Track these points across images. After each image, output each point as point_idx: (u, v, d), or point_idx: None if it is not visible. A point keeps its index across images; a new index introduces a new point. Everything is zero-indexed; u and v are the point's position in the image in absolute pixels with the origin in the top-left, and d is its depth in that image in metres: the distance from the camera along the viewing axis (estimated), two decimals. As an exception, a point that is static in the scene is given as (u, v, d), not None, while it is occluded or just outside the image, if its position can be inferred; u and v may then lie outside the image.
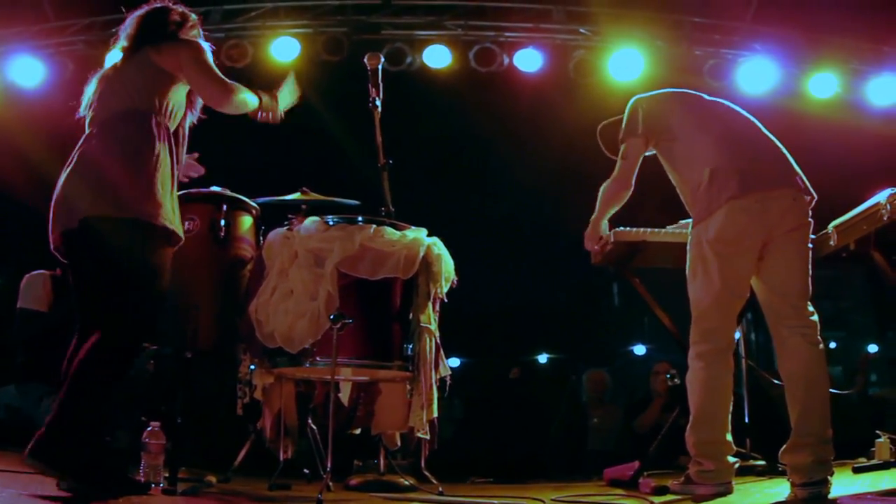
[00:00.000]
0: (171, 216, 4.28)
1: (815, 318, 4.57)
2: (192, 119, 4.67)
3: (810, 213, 4.70)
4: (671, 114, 4.98)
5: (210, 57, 4.54)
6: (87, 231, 4.15)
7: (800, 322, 4.55)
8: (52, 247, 4.35)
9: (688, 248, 4.75)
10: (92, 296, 4.27)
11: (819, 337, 4.55)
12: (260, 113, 4.74)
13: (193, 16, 4.78)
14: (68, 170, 4.29)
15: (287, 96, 4.93)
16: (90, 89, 4.56)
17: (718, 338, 4.64)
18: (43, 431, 3.97)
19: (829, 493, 4.30)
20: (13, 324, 7.12)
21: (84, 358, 4.04)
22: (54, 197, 4.29)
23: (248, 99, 4.64)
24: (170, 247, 4.35)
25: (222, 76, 4.53)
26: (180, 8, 4.71)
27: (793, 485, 4.38)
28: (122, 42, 4.59)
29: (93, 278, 4.27)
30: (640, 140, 4.94)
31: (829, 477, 4.34)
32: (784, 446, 4.45)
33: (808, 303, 4.60)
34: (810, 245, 4.69)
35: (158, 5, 4.66)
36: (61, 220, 4.23)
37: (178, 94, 4.50)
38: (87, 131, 4.41)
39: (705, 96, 5.08)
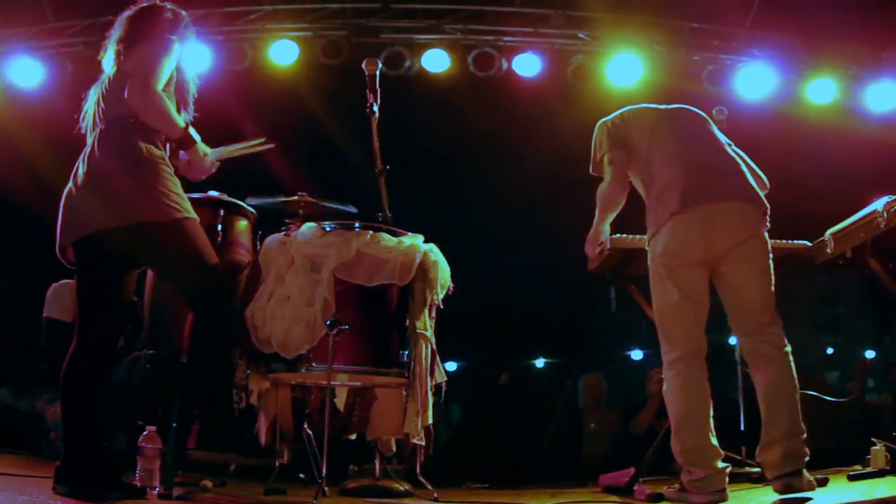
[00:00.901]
0: (180, 205, 4.27)
1: (780, 324, 4.69)
2: (187, 118, 4.58)
3: (766, 224, 4.79)
4: (632, 131, 5.07)
5: (164, 54, 4.35)
6: (106, 241, 4.17)
7: (764, 329, 4.66)
8: (59, 254, 4.34)
9: (648, 264, 4.89)
10: (100, 302, 4.31)
11: (784, 341, 4.65)
12: (181, 146, 4.56)
13: (183, 13, 4.66)
14: (75, 183, 4.27)
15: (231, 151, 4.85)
16: (90, 101, 4.50)
17: (686, 344, 4.70)
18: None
19: (803, 485, 4.36)
20: (9, 324, 7.16)
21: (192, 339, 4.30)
22: (63, 208, 4.28)
23: (172, 115, 4.39)
24: (194, 225, 4.33)
25: (155, 79, 4.30)
26: (170, 5, 4.62)
27: (769, 480, 4.49)
28: (113, 47, 4.52)
29: (107, 286, 4.32)
30: (616, 152, 5.00)
31: (802, 469, 4.40)
32: (758, 447, 4.54)
33: (772, 310, 4.71)
34: (770, 255, 4.78)
35: (146, 4, 4.58)
36: (71, 231, 4.23)
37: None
38: (88, 144, 4.36)
39: (667, 107, 5.16)
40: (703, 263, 4.69)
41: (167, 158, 4.39)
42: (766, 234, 4.78)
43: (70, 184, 4.30)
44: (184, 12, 4.67)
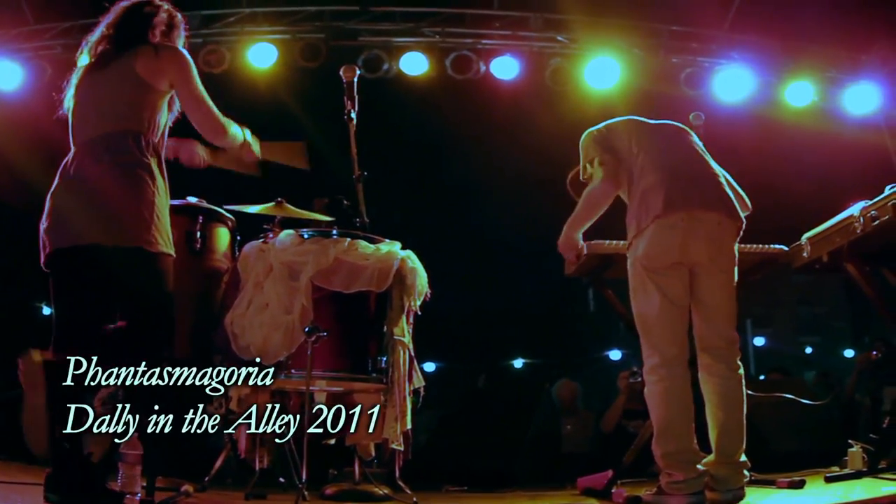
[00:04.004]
0: (168, 241, 4.22)
1: (737, 343, 4.82)
2: (170, 121, 4.47)
3: (738, 238, 4.87)
4: (617, 138, 5.05)
5: (197, 74, 4.36)
6: (88, 256, 4.05)
7: (723, 349, 4.78)
8: (42, 261, 4.19)
9: (628, 267, 4.87)
10: (80, 315, 4.18)
11: (738, 362, 4.80)
12: (242, 149, 4.73)
13: (179, 16, 4.57)
14: (63, 187, 4.16)
15: (275, 152, 4.97)
16: (71, 92, 4.36)
17: (668, 348, 4.71)
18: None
19: (744, 495, 4.65)
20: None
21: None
22: (48, 213, 4.16)
23: (237, 134, 4.59)
24: (169, 264, 4.27)
25: (215, 108, 4.40)
26: (167, 5, 4.50)
27: (713, 490, 4.64)
28: (103, 40, 4.40)
29: (86, 300, 4.17)
30: (607, 155, 5.00)
31: (744, 484, 4.69)
32: (708, 458, 4.68)
33: (735, 324, 4.82)
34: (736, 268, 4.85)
35: (147, 2, 4.46)
36: (56, 237, 4.12)
37: (164, 107, 4.35)
38: (75, 144, 4.26)
39: (651, 121, 5.18)
40: (683, 265, 4.71)
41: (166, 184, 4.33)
42: (736, 249, 4.86)
43: (58, 183, 4.18)
44: (179, 15, 4.59)
